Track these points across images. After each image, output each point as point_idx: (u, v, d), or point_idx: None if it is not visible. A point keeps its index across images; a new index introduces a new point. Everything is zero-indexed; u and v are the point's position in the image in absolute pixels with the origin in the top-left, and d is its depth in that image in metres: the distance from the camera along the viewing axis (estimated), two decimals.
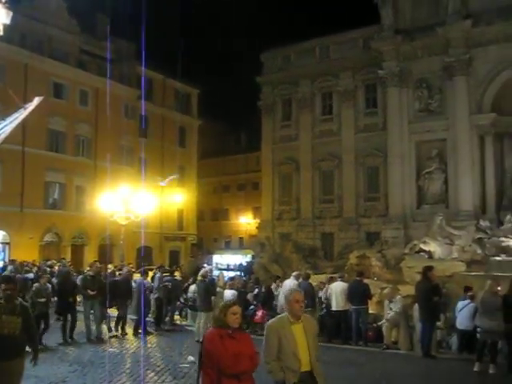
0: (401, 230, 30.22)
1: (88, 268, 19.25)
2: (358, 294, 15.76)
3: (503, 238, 25.55)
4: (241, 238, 59.36)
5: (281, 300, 17.26)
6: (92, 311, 15.36)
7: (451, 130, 29.90)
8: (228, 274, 27.69)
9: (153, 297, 18.46)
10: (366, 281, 17.33)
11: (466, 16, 29.48)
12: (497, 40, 28.98)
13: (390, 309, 15.27)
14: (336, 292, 16.35)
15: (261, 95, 39.80)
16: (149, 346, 14.62)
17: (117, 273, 20.48)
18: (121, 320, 16.28)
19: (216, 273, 24.62)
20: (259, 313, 17.64)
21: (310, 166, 36.87)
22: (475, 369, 11.91)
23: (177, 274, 22.85)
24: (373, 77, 33.65)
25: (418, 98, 31.19)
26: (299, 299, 5.99)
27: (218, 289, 17.83)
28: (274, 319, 6.20)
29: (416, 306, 14.63)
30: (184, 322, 19.51)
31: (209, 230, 59.12)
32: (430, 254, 26.80)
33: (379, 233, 31.74)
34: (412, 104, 31.35)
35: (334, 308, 16.37)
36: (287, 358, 5.78)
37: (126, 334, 16.06)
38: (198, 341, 14.99)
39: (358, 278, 16.61)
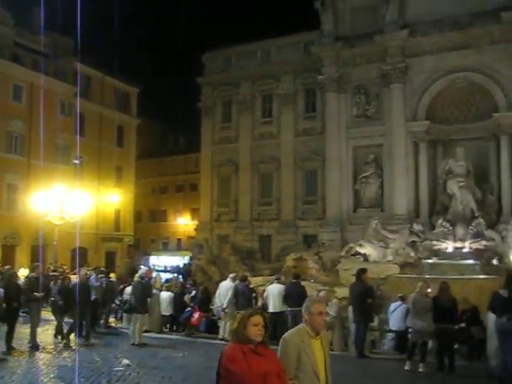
0: (337, 233, 30.70)
1: (25, 270, 18.48)
2: (295, 296, 15.87)
3: (435, 242, 26.40)
4: (179, 239, 58.86)
5: (217, 303, 17.24)
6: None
7: (387, 135, 30.66)
8: (165, 276, 27.43)
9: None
10: (303, 283, 17.49)
11: (403, 26, 30.32)
12: (431, 51, 29.93)
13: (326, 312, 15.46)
14: (273, 294, 16.42)
15: (201, 96, 39.63)
16: (83, 349, 14.23)
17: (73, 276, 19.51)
18: (74, 329, 14.91)
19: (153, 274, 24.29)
20: (196, 315, 17.51)
21: (249, 168, 36.99)
22: (406, 368, 12.25)
23: (112, 275, 22.43)
24: (313, 81, 34.10)
25: (356, 103, 31.82)
26: (322, 311, 5.37)
27: (154, 291, 17.62)
28: (291, 332, 5.39)
29: (350, 308, 14.89)
30: (119, 325, 19.14)
31: (146, 231, 58.32)
32: (365, 257, 27.34)
33: (316, 235, 32.12)
34: (350, 109, 31.94)
35: (270, 310, 16.42)
36: (307, 377, 5.10)
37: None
38: (133, 344, 14.76)
39: (294, 280, 16.72)
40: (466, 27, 28.81)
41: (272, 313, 16.31)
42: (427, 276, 21.13)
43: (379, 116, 31.25)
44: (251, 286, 18.27)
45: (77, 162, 36.61)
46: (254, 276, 25.06)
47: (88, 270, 18.57)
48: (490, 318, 13.03)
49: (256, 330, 4.69)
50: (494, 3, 28.17)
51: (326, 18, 32.57)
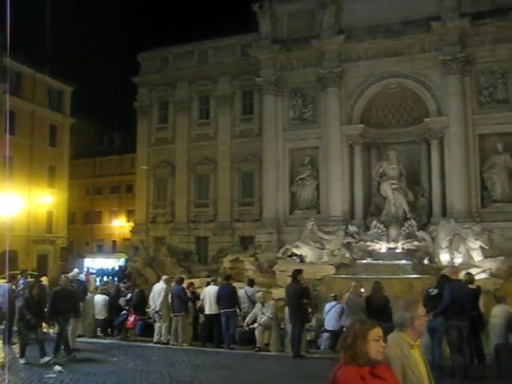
0: (274, 235, 30.89)
1: None
2: (227, 297, 15.87)
3: (369, 243, 27.05)
4: (114, 241, 57.83)
5: (151, 305, 17.00)
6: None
7: (323, 138, 31.13)
8: (100, 279, 26.84)
9: (18, 304, 17.31)
10: (239, 284, 17.52)
11: (340, 31, 30.87)
12: (366, 56, 30.65)
13: (263, 313, 15.52)
14: (209, 296, 16.34)
15: (137, 96, 39.03)
16: (12, 356, 13.69)
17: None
18: (62, 343, 13.80)
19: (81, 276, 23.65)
20: (131, 318, 17.21)
21: (185, 169, 36.70)
22: None
23: (44, 279, 21.72)
24: (250, 83, 34.20)
25: (292, 106, 32.15)
26: (423, 312, 4.63)
27: (88, 294, 17.20)
28: (390, 343, 4.40)
29: (287, 309, 15.00)
30: (51, 330, 18.54)
31: (80, 233, 56.94)
32: (301, 258, 27.67)
33: (253, 237, 32.21)
34: (287, 112, 32.24)
35: (206, 312, 16.37)
36: None
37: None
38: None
39: (226, 282, 16.73)
40: (398, 35, 29.67)
41: (208, 314, 16.28)
42: (362, 276, 21.59)
43: (315, 119, 31.69)
44: (193, 288, 18.18)
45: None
46: (191, 278, 24.88)
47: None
48: None
49: (378, 346, 3.92)
50: (424, 13, 29.11)
51: (263, 21, 32.76)
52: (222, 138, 36.00)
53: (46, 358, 12.75)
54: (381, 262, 24.91)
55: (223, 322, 15.73)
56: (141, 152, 39.05)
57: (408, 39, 29.69)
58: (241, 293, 16.99)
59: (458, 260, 24.72)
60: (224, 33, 35.98)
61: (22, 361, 12.83)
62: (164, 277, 17.76)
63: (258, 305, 15.79)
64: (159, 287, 16.72)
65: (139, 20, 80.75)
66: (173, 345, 15.84)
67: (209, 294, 16.40)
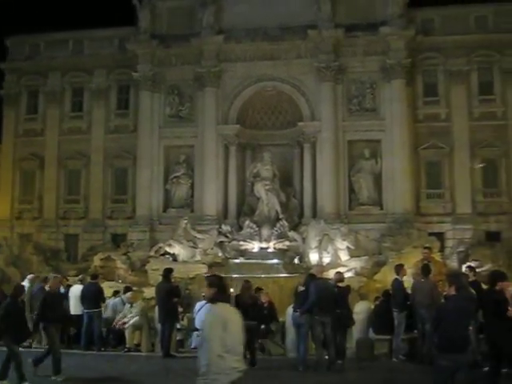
0: (147, 233, 30.36)
1: None
2: (91, 297, 15.37)
3: (242, 242, 27.51)
4: None
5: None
6: None
7: (199, 137, 31.08)
8: None
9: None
10: (110, 284, 17.05)
11: (219, 31, 30.95)
12: (244, 58, 31.04)
13: (131, 312, 15.20)
14: (75, 296, 15.72)
15: (4, 83, 36.59)
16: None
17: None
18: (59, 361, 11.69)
19: None
20: None
21: (55, 163, 34.93)
22: None
23: None
24: (127, 78, 33.29)
25: (169, 103, 31.78)
26: None
27: None
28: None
29: (157, 308, 14.80)
30: None
31: None
32: (174, 257, 27.52)
33: (126, 235, 31.45)
34: (163, 109, 31.81)
35: (72, 312, 15.70)
36: None
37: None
38: None
39: (92, 281, 16.18)
40: (276, 39, 30.39)
41: (73, 315, 15.63)
42: (234, 275, 21.82)
43: (192, 117, 31.59)
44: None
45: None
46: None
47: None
48: (289, 313, 13.82)
49: None
50: (302, 20, 30.02)
51: (143, 15, 32.04)
52: (95, 132, 34.68)
53: None
54: (253, 261, 25.37)
55: (85, 323, 15.18)
56: (6, 143, 36.56)
57: (285, 44, 30.49)
58: (116, 301, 16.57)
59: (327, 259, 25.77)
60: (101, 24, 34.66)
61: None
62: (29, 276, 16.88)
63: (127, 305, 15.43)
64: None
65: (8, 2, 75.92)
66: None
67: (74, 293, 15.76)
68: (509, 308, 9.24)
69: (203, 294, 16.12)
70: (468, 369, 7.98)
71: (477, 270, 21.10)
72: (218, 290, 6.36)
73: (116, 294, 17.78)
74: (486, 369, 10.21)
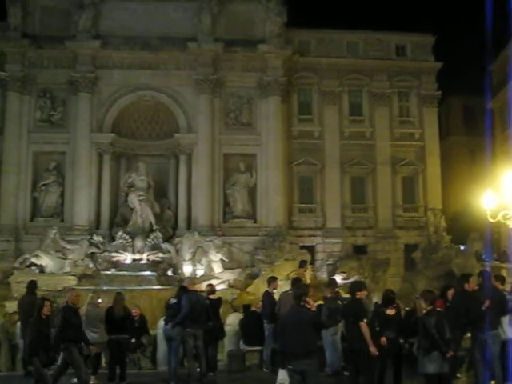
0: (12, 243, 28.60)
1: None
2: None
3: (114, 253, 26.82)
4: None
5: None
6: None
7: (71, 144, 29.95)
8: None
9: None
10: None
11: (96, 36, 30.13)
12: (122, 65, 30.47)
13: None
14: None
15: None
16: None
17: None
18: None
19: None
20: None
21: None
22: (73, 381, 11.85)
23: None
24: None
25: (40, 107, 30.34)
26: None
27: None
28: None
29: (19, 324, 14.02)
30: None
31: None
32: (41, 268, 26.33)
33: None
34: (34, 113, 30.30)
35: None
36: None
37: None
38: None
39: None
40: (156, 49, 30.19)
41: None
42: (105, 288, 21.23)
43: (64, 123, 30.39)
44: None
45: None
46: None
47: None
48: (160, 326, 13.67)
49: None
50: (182, 32, 30.20)
51: (13, 11, 30.24)
52: None
53: None
54: (125, 273, 24.80)
55: None
56: None
57: (164, 55, 30.37)
58: None
59: (200, 272, 25.83)
60: None
61: None
62: None
63: None
64: None
65: None
66: None
67: None
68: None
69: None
70: (313, 374, 8.26)
71: (344, 281, 22.52)
72: None
73: None
74: (347, 374, 11.00)
